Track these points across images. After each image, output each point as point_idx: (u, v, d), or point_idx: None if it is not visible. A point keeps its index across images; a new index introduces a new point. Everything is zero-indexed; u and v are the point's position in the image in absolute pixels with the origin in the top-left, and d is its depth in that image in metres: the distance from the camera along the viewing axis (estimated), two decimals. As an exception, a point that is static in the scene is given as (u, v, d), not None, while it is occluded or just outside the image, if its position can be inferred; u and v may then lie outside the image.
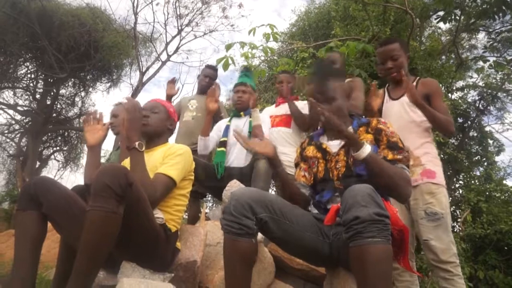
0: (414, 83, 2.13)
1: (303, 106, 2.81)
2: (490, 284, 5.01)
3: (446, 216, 1.91)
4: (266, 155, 1.51)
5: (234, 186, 2.06)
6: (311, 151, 1.65)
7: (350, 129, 1.57)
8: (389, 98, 2.22)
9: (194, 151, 2.71)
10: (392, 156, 1.44)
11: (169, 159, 1.60)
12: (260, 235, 1.43)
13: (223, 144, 2.63)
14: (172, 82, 3.26)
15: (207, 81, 3.37)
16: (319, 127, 1.87)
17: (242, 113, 2.72)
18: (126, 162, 1.82)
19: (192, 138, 3.03)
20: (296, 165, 1.74)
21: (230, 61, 3.94)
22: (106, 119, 2.08)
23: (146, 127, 1.70)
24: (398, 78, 2.09)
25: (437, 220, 1.89)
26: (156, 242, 1.43)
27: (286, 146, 2.80)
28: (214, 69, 3.51)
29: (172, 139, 2.11)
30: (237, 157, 2.58)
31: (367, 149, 1.34)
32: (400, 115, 2.10)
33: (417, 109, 2.00)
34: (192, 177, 1.74)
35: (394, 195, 1.43)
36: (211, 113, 2.67)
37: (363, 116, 1.74)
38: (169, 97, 3.23)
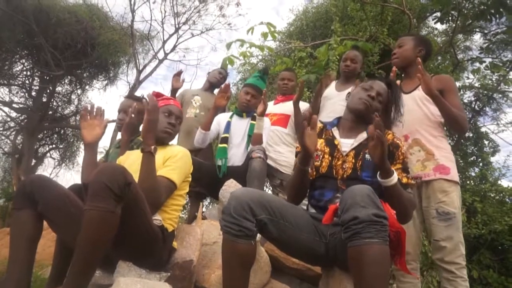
0: None
1: (302, 107, 2.79)
2: (484, 284, 5.04)
3: (458, 215, 1.85)
4: (307, 149, 1.39)
5: (231, 185, 2.06)
6: (319, 143, 1.60)
7: (364, 135, 1.56)
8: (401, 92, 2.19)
9: (194, 151, 2.67)
10: (406, 180, 1.48)
11: (170, 162, 1.60)
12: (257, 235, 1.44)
13: (224, 140, 2.60)
14: (178, 74, 3.12)
15: (220, 77, 3.34)
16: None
17: (244, 114, 2.71)
18: (121, 160, 1.81)
19: (193, 138, 2.90)
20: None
21: (234, 59, 3.98)
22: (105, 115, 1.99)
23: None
24: (397, 67, 2.09)
25: (449, 219, 1.83)
26: (153, 242, 1.43)
27: (281, 145, 2.80)
28: (226, 72, 3.51)
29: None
30: (234, 155, 2.58)
31: (394, 180, 1.35)
32: (413, 109, 2.04)
33: (430, 103, 1.96)
34: (190, 179, 1.75)
35: (399, 218, 1.40)
36: (217, 109, 2.61)
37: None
38: (175, 91, 3.14)
